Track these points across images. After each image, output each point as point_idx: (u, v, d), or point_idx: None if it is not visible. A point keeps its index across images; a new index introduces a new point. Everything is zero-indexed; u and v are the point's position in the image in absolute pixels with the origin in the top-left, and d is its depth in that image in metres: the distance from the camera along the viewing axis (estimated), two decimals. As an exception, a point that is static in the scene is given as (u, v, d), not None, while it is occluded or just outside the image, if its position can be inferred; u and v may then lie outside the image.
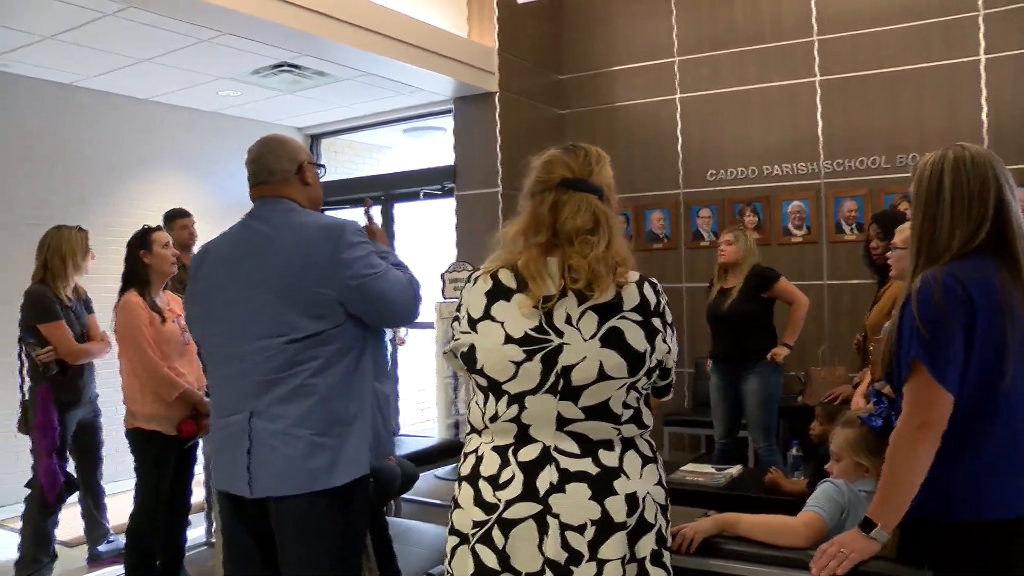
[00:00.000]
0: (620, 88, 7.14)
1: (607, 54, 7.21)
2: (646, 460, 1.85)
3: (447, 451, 4.00)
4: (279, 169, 2.37)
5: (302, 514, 2.18)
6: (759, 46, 6.51)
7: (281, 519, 2.21)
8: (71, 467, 4.41)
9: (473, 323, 1.86)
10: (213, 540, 4.70)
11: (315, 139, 8.33)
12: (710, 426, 5.34)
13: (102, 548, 4.57)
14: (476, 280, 1.91)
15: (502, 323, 1.81)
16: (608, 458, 1.79)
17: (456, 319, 1.93)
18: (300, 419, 2.17)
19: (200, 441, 4.08)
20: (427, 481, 4.42)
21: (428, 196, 7.41)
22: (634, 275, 1.85)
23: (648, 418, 1.88)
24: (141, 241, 3.90)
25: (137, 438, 3.82)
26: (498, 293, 1.85)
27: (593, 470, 1.77)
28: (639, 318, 1.80)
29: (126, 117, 6.82)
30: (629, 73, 7.10)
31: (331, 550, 2.22)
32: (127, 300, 3.81)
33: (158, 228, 4.04)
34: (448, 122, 7.13)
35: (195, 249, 5.32)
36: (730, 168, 6.67)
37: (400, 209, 7.91)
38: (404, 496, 4.30)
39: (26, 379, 4.25)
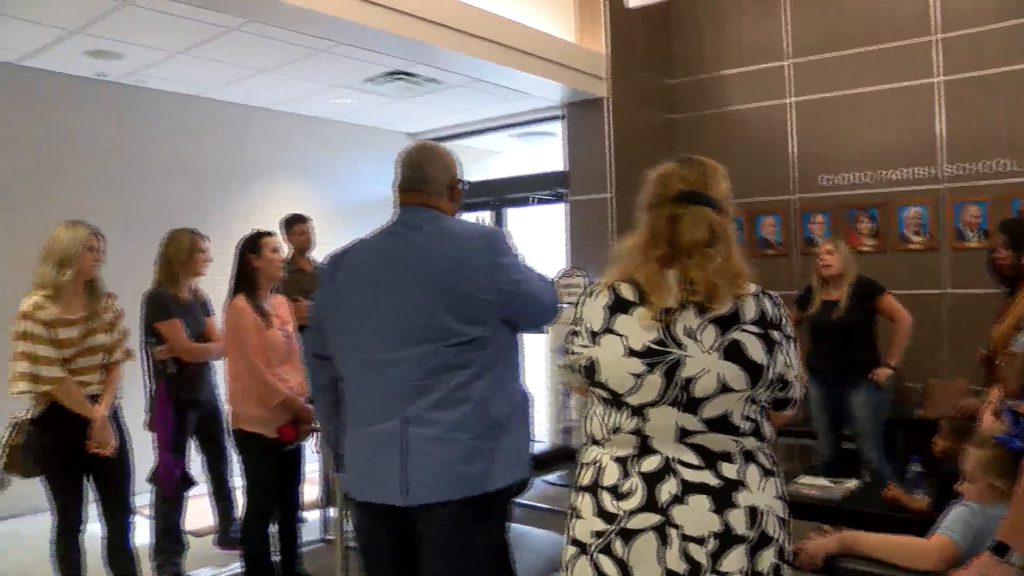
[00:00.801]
0: (732, 92, 7.03)
1: (718, 58, 7.11)
2: (767, 473, 1.83)
3: (558, 457, 3.99)
4: (435, 180, 2.40)
5: (453, 519, 2.18)
6: (875, 47, 6.32)
7: (430, 525, 2.20)
8: (196, 461, 4.58)
9: (594, 336, 1.87)
10: (329, 537, 4.81)
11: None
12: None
13: (231, 536, 4.73)
14: (596, 294, 1.92)
15: (624, 336, 1.83)
16: (729, 470, 1.78)
17: (574, 332, 1.94)
18: (456, 424, 2.17)
19: (313, 440, 4.16)
20: (537, 486, 4.43)
21: (540, 201, 7.43)
22: (752, 287, 1.85)
23: (769, 431, 1.87)
24: (250, 245, 3.93)
25: (240, 439, 3.89)
26: (619, 306, 1.86)
27: (714, 482, 1.76)
28: (758, 330, 1.80)
29: (245, 126, 7.10)
30: (741, 77, 6.98)
31: (482, 555, 2.23)
32: (234, 304, 3.85)
33: (268, 233, 4.04)
34: (558, 127, 7.14)
35: (312, 254, 5.54)
36: (843, 173, 6.50)
37: (511, 214, 7.96)
38: (515, 500, 4.33)
39: (151, 379, 4.38)
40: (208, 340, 4.47)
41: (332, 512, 4.86)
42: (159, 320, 4.28)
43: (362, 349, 2.31)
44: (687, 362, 1.77)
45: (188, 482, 4.40)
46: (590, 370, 1.87)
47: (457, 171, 2.47)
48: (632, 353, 1.80)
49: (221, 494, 4.71)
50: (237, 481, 4.70)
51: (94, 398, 3.59)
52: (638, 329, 1.81)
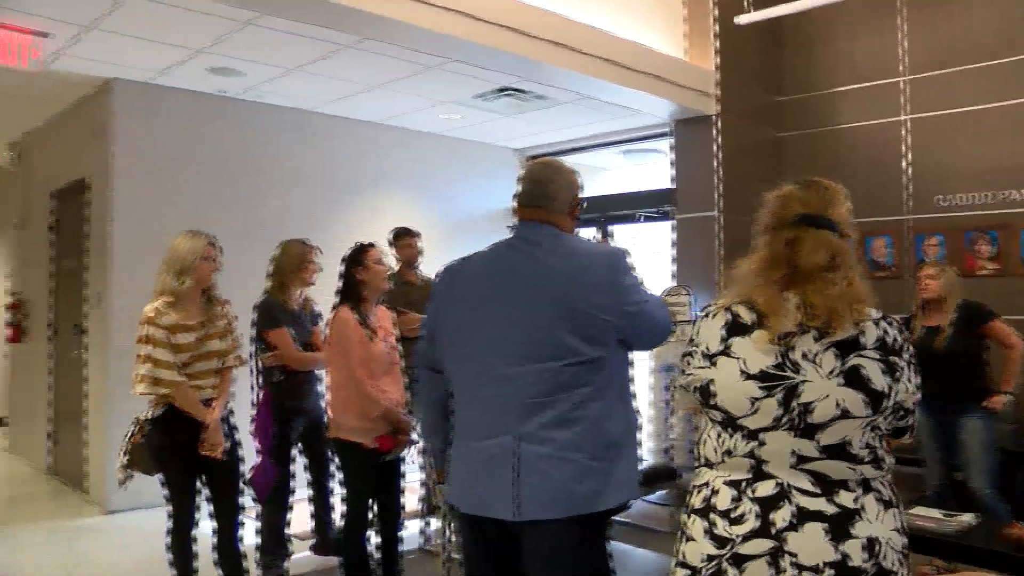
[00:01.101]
0: (843, 110, 6.84)
1: (830, 75, 6.93)
2: (886, 503, 1.78)
3: (660, 476, 3.93)
4: (559, 199, 2.40)
5: (563, 536, 2.16)
6: (998, 60, 6.05)
7: (539, 541, 2.19)
8: (299, 468, 4.64)
9: (711, 358, 1.85)
10: (430, 548, 4.85)
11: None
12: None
13: (327, 542, 4.81)
14: (714, 315, 1.90)
15: (741, 359, 1.80)
16: (846, 499, 1.73)
17: (690, 354, 1.92)
18: (571, 443, 2.15)
19: (411, 451, 4.18)
20: (637, 505, 4.38)
21: (647, 219, 7.38)
22: (873, 312, 1.81)
23: (888, 460, 1.81)
24: (354, 258, 3.98)
25: (339, 447, 3.94)
26: (736, 328, 1.84)
27: (830, 510, 1.72)
28: (879, 356, 1.75)
29: (355, 140, 7.32)
30: (853, 94, 6.79)
31: (588, 573, 2.21)
32: (339, 316, 3.90)
33: (371, 244, 4.08)
34: (665, 144, 7.08)
35: (419, 267, 5.63)
36: (961, 193, 6.24)
37: (617, 231, 7.95)
38: (615, 519, 4.27)
39: (258, 385, 4.47)
40: (314, 349, 4.53)
41: (433, 522, 4.90)
42: (268, 328, 4.38)
43: (475, 361, 2.30)
44: (805, 387, 1.73)
45: (282, 491, 4.45)
46: (705, 391, 1.85)
47: (579, 189, 2.47)
48: (749, 376, 1.78)
49: (319, 501, 4.77)
50: (337, 488, 4.80)
51: (208, 402, 3.73)
52: (755, 352, 1.79)
